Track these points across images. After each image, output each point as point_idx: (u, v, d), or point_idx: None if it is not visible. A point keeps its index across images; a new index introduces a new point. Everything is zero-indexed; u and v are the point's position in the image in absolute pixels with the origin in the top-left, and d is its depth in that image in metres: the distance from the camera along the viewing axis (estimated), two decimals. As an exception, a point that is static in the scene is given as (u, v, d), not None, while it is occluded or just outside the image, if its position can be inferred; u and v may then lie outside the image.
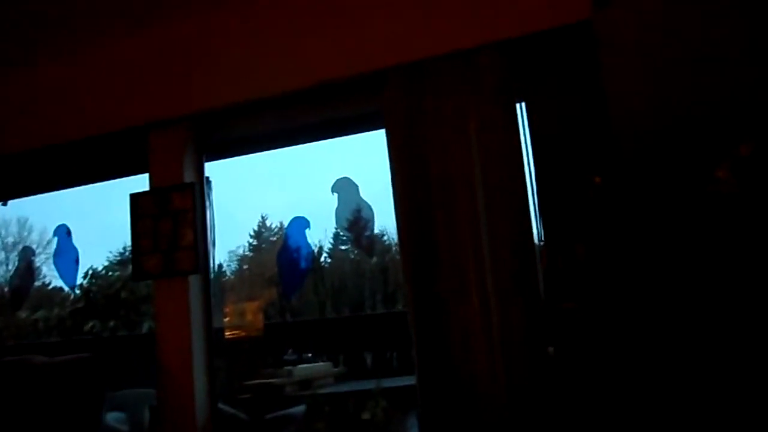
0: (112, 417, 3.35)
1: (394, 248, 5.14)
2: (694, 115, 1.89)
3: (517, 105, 2.47)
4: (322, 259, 5.71)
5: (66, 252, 3.41)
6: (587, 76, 2.33)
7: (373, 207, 3.09)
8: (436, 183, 2.47)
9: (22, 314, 5.16)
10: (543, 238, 2.37)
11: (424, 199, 2.48)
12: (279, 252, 3.06)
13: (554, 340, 2.29)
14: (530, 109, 2.48)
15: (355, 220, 3.08)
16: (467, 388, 2.32)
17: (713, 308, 1.75)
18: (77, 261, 3.45)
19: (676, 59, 1.94)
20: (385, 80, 2.60)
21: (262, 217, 6.94)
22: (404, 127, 2.55)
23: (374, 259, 4.87)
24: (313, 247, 3.08)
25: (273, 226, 6.97)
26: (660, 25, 1.96)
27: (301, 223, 3.00)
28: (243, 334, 3.97)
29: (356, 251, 5.56)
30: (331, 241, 6.07)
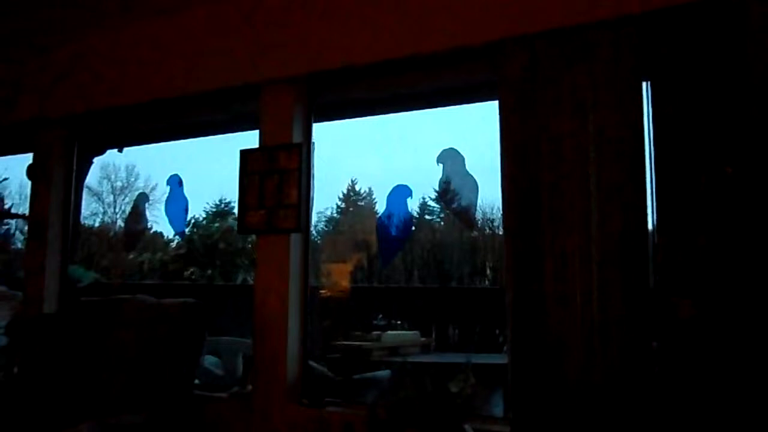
0: (207, 360, 3.55)
1: (480, 223, 5.07)
2: None
3: (643, 84, 2.33)
4: (412, 228, 5.72)
5: (177, 200, 3.56)
6: (726, 58, 2.16)
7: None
8: (546, 159, 2.38)
9: (129, 255, 5.52)
10: (658, 226, 2.25)
11: (532, 175, 2.40)
12: (379, 218, 3.07)
13: (660, 334, 2.19)
14: (655, 89, 2.33)
15: (443, 192, 3.05)
16: (560, 373, 2.27)
17: None
18: (186, 210, 3.61)
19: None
20: (501, 51, 2.51)
21: (352, 181, 7.00)
22: (517, 101, 2.47)
23: (474, 233, 4.82)
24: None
25: (362, 190, 7.02)
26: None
27: (403, 192, 2.99)
28: (330, 294, 4.07)
29: (442, 222, 5.53)
30: (418, 210, 6.06)
